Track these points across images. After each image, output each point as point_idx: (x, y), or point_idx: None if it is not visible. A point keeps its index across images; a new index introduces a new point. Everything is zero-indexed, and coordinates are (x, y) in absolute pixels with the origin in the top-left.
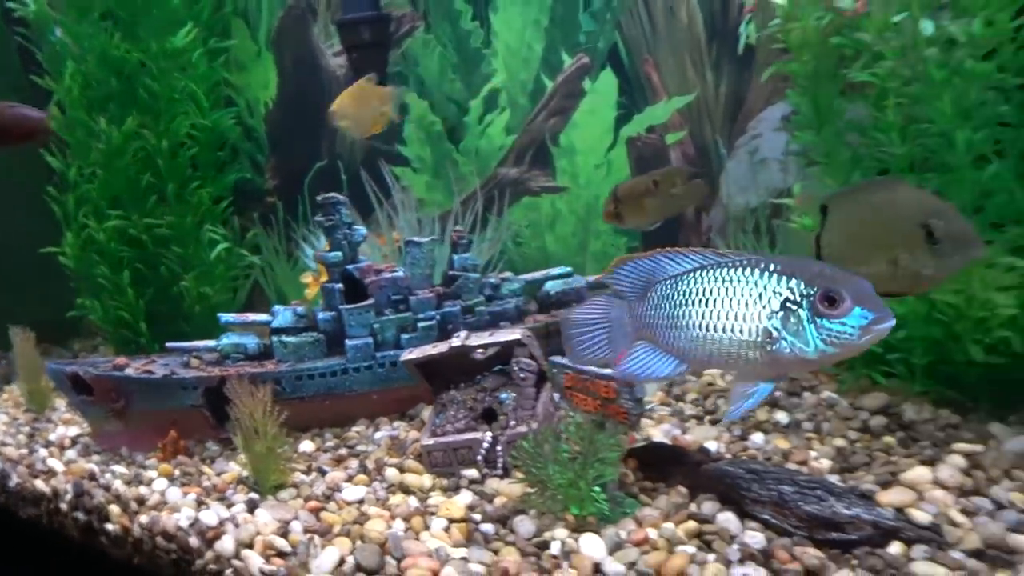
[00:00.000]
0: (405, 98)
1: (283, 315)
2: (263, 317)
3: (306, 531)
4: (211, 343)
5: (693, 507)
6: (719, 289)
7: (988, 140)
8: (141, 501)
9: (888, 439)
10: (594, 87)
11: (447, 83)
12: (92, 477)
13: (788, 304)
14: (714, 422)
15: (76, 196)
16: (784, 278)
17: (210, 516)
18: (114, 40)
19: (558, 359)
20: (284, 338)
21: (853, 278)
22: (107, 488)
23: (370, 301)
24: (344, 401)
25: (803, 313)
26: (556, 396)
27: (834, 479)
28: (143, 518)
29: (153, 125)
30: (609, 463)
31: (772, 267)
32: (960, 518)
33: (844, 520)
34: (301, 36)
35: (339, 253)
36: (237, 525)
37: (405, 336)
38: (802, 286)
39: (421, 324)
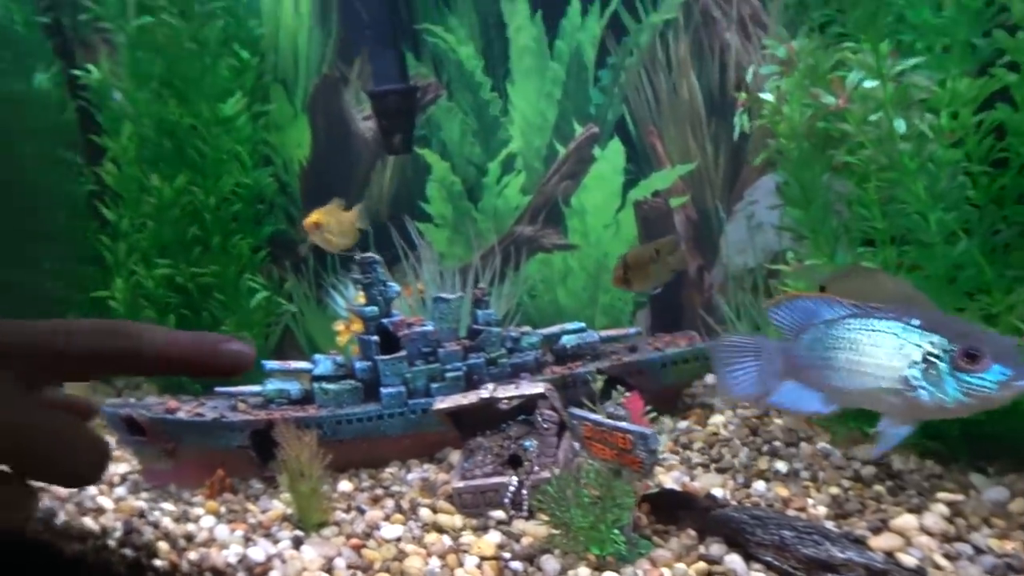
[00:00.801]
0: (428, 160)
1: (324, 364)
2: (304, 365)
3: (349, 567)
4: (256, 388)
5: (702, 549)
6: (866, 338)
7: (958, 220)
8: (189, 538)
9: (878, 488)
10: (603, 154)
11: (467, 147)
12: (141, 515)
13: (929, 357)
14: (719, 470)
15: (127, 245)
16: (927, 332)
17: (258, 552)
18: (169, 106)
19: (578, 411)
20: (325, 385)
21: (993, 336)
22: (156, 525)
23: (403, 353)
24: (379, 444)
25: (943, 366)
26: (576, 445)
27: (830, 525)
28: (192, 554)
29: (201, 182)
30: (625, 507)
31: (916, 321)
32: (943, 562)
33: (839, 563)
34: (334, 102)
35: (375, 308)
36: (284, 561)
37: (434, 385)
38: (944, 342)
39: (449, 374)
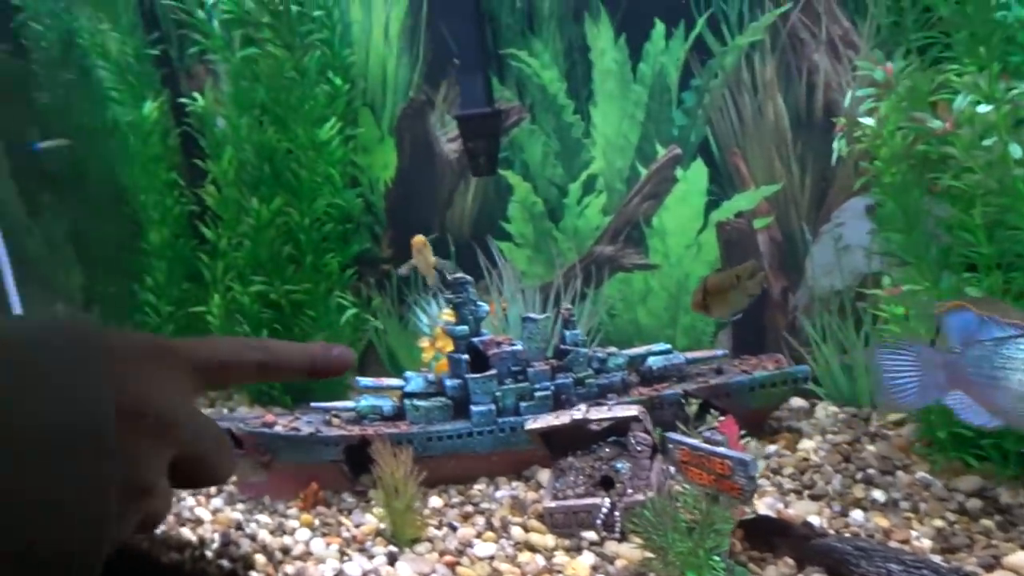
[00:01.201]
0: (510, 181)
1: (415, 381)
2: (396, 382)
3: None
4: (349, 404)
5: None
6: None
7: None
8: (286, 551)
9: (987, 522)
10: (685, 175)
11: (549, 168)
12: (238, 526)
13: None
14: (813, 497)
15: (225, 263)
16: None
17: (353, 568)
18: (268, 131)
19: (675, 436)
20: (416, 402)
21: None
22: (253, 538)
23: (493, 371)
24: (467, 461)
25: None
26: (671, 468)
27: (937, 559)
28: (289, 568)
29: (296, 204)
30: (724, 534)
31: None
32: None
33: None
34: (420, 124)
35: (466, 327)
36: None
37: (523, 404)
38: None
39: (538, 394)
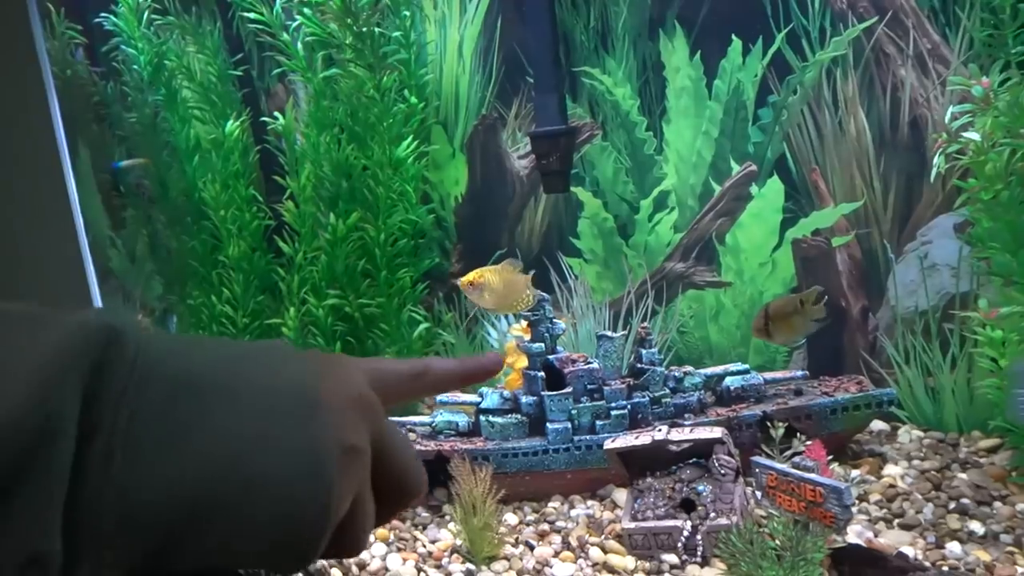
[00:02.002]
0: (581, 197)
1: (491, 397)
2: (472, 398)
3: None
4: (425, 419)
5: None
6: None
7: None
8: (362, 566)
9: None
10: (761, 192)
11: (620, 184)
12: None
13: None
14: (904, 526)
15: (300, 277)
16: None
17: None
18: (346, 149)
19: (762, 460)
20: (491, 418)
21: None
22: None
23: (569, 389)
24: (542, 478)
25: None
26: (757, 493)
27: None
28: None
29: (372, 219)
30: (814, 563)
31: None
32: None
33: None
34: (491, 141)
35: (541, 344)
36: None
37: (599, 422)
38: None
39: (614, 412)
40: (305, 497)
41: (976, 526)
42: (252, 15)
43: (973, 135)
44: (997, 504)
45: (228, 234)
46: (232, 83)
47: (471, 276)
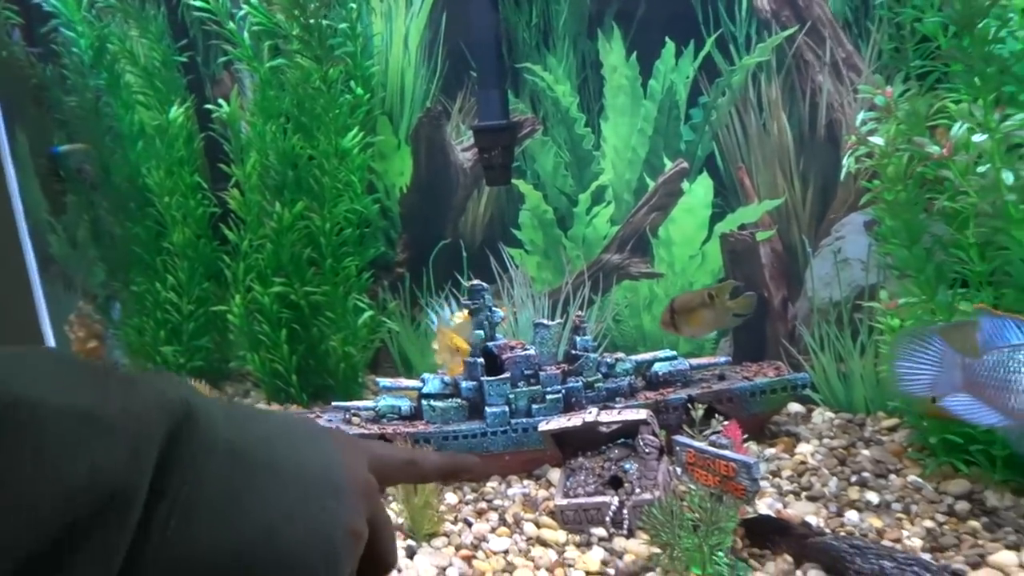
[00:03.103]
0: (522, 190)
1: (432, 382)
2: (414, 383)
3: None
4: (369, 403)
5: (799, 574)
6: None
7: None
8: None
9: (973, 523)
10: (692, 188)
11: (560, 178)
12: None
13: None
14: (811, 498)
15: (246, 264)
16: None
17: None
18: (292, 139)
19: (682, 439)
20: (433, 402)
21: None
22: None
23: (507, 375)
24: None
25: None
26: (678, 469)
27: (927, 557)
28: None
29: (318, 209)
30: (727, 531)
31: None
32: None
33: None
34: (436, 133)
35: (481, 332)
36: (400, 571)
37: (535, 406)
38: None
39: (549, 396)
40: (328, 570)
41: (872, 496)
42: (197, 3)
43: (878, 139)
44: (892, 477)
45: (173, 221)
46: (177, 69)
47: (453, 344)
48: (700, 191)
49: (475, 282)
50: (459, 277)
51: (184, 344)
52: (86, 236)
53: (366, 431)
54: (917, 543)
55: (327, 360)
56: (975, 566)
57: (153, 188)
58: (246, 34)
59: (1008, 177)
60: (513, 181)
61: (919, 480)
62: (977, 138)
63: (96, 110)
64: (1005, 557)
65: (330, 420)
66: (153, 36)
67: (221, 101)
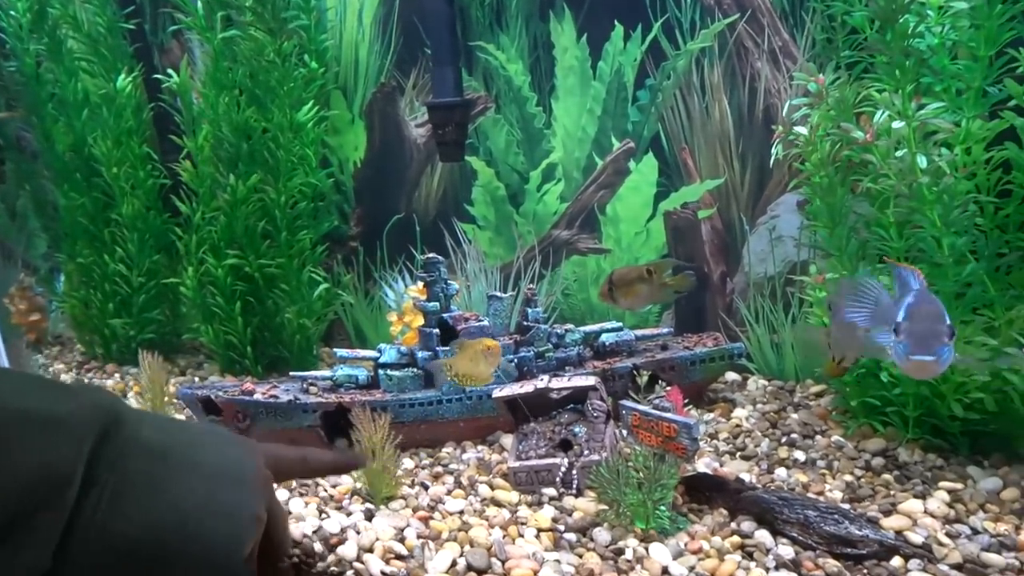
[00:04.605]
0: (475, 166)
1: (389, 352)
2: (371, 353)
3: (419, 537)
4: (326, 373)
5: (734, 525)
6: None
7: (967, 244)
8: None
9: (887, 476)
10: (638, 167)
11: (512, 156)
12: None
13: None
14: (745, 458)
15: (198, 237)
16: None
17: (332, 524)
18: (246, 111)
19: (628, 403)
20: (389, 372)
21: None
22: None
23: None
24: (437, 427)
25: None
26: (623, 432)
27: (846, 507)
28: None
29: (273, 182)
30: (669, 488)
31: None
32: (945, 540)
33: (856, 539)
34: (389, 109)
35: (436, 304)
36: (359, 532)
37: None
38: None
39: (502, 365)
40: (232, 551)
41: (800, 455)
42: None
43: (802, 129)
44: (818, 437)
45: (121, 192)
46: (123, 36)
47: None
48: (645, 170)
49: (430, 255)
50: (413, 251)
51: (134, 317)
52: (27, 207)
53: (325, 400)
54: (838, 495)
55: (282, 332)
56: (887, 513)
57: (100, 158)
58: (199, 3)
59: (922, 161)
60: (466, 158)
61: (841, 439)
62: (896, 125)
63: (37, 76)
64: (913, 505)
65: (287, 390)
66: (97, 1)
67: (171, 71)
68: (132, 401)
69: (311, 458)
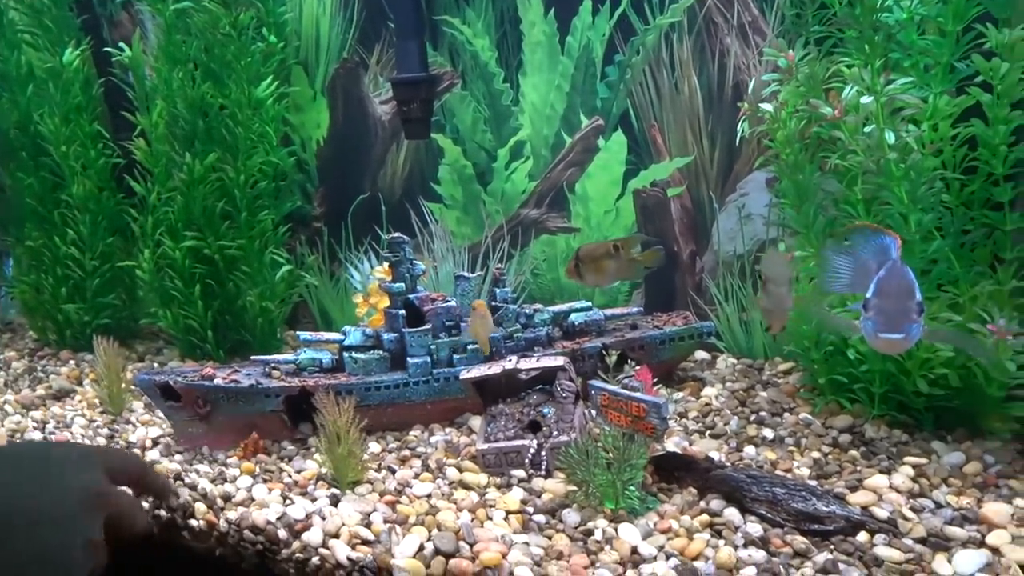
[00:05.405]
0: (441, 144)
1: (354, 335)
2: (335, 336)
3: (386, 521)
4: (289, 357)
5: (703, 504)
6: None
7: (934, 220)
8: (227, 498)
9: (854, 453)
10: (607, 145)
11: (479, 133)
12: (178, 477)
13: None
14: (714, 436)
15: (155, 218)
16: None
17: (297, 510)
18: (202, 87)
19: (597, 383)
20: (355, 355)
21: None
22: (193, 487)
23: (428, 326)
24: (404, 410)
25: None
26: (592, 412)
27: (813, 483)
28: (231, 514)
29: (232, 161)
30: (638, 468)
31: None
32: (910, 514)
33: (823, 515)
34: (353, 85)
35: (402, 284)
36: (324, 518)
37: (456, 356)
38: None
39: (470, 347)
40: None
41: (768, 433)
42: None
43: (767, 106)
44: (786, 415)
45: (72, 172)
46: (69, 8)
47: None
48: (615, 148)
49: (395, 235)
50: (378, 231)
51: (88, 302)
52: None
53: (288, 384)
54: (805, 472)
55: (244, 315)
56: (853, 489)
57: (48, 136)
58: None
59: (890, 137)
60: (432, 135)
61: (809, 417)
62: (865, 100)
63: None
64: (878, 480)
65: (249, 374)
66: None
67: (123, 45)
68: (88, 389)
69: (150, 468)
